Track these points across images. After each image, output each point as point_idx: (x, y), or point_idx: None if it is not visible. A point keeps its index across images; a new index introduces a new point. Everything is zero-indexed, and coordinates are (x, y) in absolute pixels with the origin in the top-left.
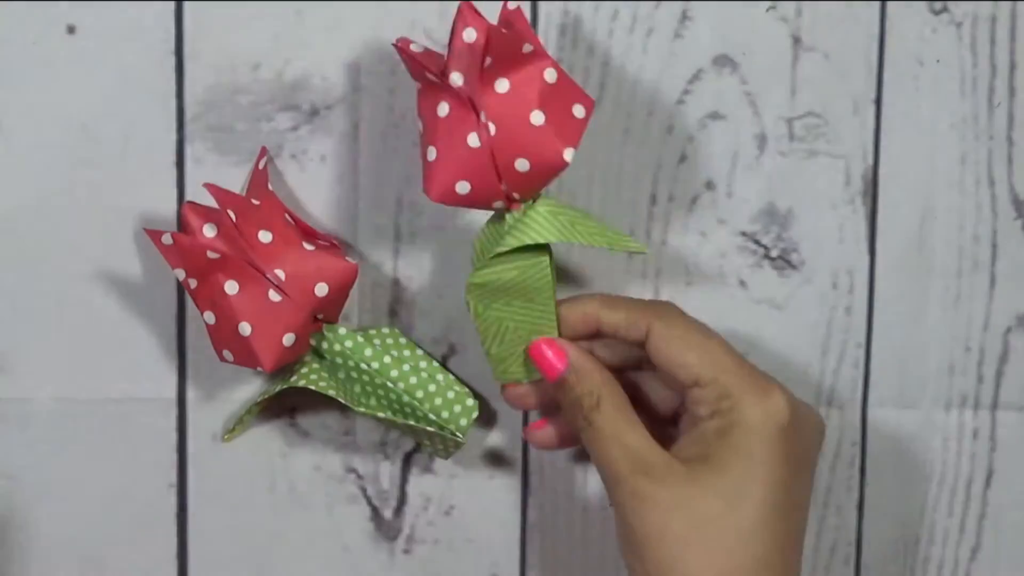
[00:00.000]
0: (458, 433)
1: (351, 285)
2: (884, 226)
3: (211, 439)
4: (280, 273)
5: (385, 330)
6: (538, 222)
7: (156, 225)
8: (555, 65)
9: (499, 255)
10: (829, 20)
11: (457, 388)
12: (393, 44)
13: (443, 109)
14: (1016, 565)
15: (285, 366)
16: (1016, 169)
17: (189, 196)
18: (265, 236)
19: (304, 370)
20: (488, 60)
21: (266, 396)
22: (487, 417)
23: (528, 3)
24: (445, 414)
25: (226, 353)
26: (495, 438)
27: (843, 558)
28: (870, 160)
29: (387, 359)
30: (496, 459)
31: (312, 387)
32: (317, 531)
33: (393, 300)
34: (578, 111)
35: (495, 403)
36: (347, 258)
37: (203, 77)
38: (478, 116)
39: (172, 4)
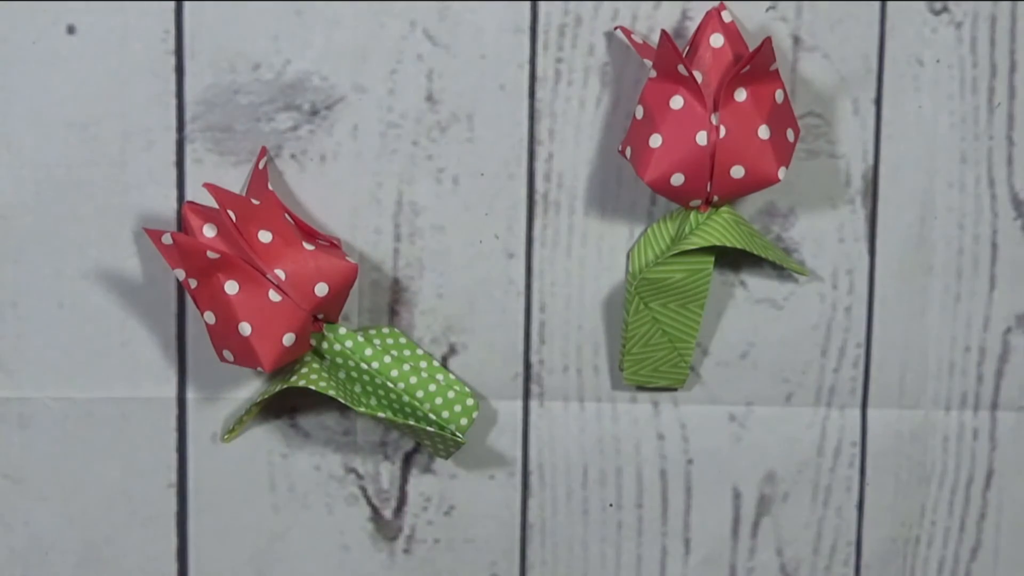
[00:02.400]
0: (458, 433)
1: (351, 285)
2: (884, 226)
3: (211, 439)
4: (280, 273)
5: (385, 330)
6: (723, 227)
7: (156, 225)
8: (784, 88)
9: (673, 255)
10: (829, 20)
11: (457, 388)
12: (616, 29)
13: (677, 102)
14: (1016, 565)
15: (284, 366)
16: (1016, 169)
17: (189, 196)
18: (265, 236)
19: (304, 370)
20: (746, 68)
21: (266, 396)
22: (487, 417)
23: (528, 3)
24: (445, 414)
25: (226, 353)
26: (495, 438)
27: (843, 558)
28: (870, 160)
29: (387, 359)
30: (496, 459)
31: (312, 387)
32: (317, 531)
33: (393, 300)
34: (790, 135)
35: (495, 403)
36: (347, 258)
37: (203, 77)
38: (710, 117)
39: (172, 4)
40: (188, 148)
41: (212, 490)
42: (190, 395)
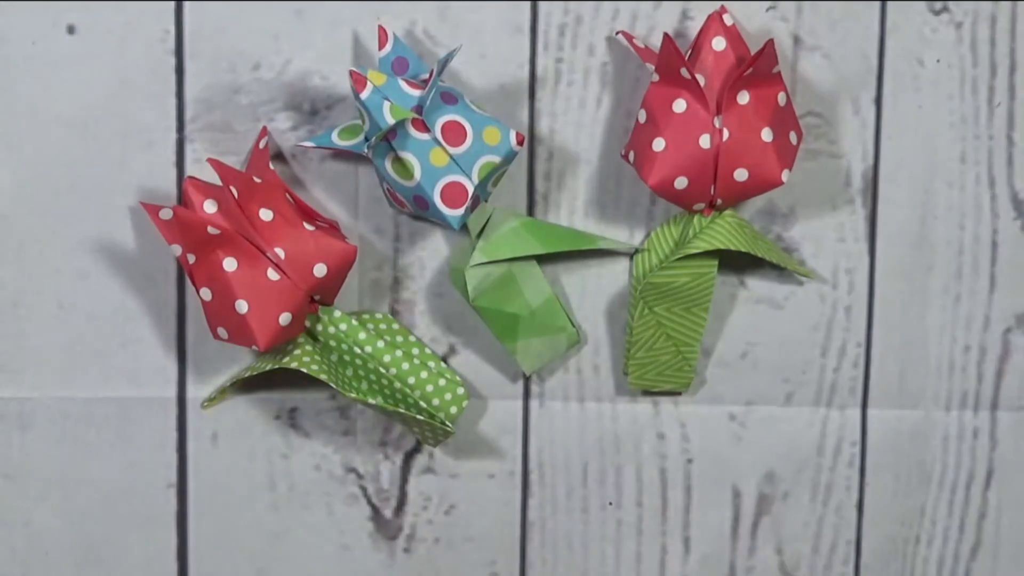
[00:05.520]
0: (447, 423)
1: (349, 267)
2: (884, 226)
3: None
4: (280, 252)
5: (379, 315)
6: (727, 231)
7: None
8: (786, 91)
9: (678, 259)
10: (829, 20)
11: (448, 376)
12: (618, 34)
13: (680, 105)
14: (1016, 565)
15: (278, 345)
16: (1016, 169)
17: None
18: (266, 214)
19: (297, 352)
20: (748, 71)
21: (254, 372)
22: (488, 416)
23: (528, 3)
24: (436, 401)
25: (220, 330)
26: (495, 437)
27: (843, 558)
28: (870, 160)
29: (380, 343)
30: (496, 458)
31: (304, 370)
32: (317, 531)
33: (393, 300)
34: (792, 138)
35: (495, 403)
36: (346, 240)
37: (203, 77)
38: (713, 120)
39: (172, 4)
40: (188, 148)
41: (212, 490)
42: (190, 395)
